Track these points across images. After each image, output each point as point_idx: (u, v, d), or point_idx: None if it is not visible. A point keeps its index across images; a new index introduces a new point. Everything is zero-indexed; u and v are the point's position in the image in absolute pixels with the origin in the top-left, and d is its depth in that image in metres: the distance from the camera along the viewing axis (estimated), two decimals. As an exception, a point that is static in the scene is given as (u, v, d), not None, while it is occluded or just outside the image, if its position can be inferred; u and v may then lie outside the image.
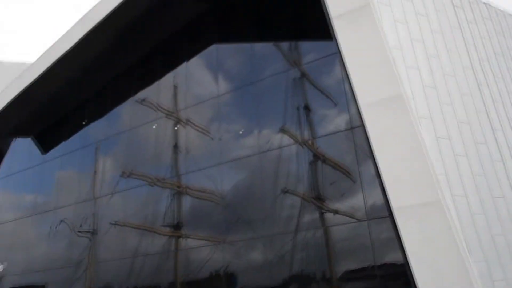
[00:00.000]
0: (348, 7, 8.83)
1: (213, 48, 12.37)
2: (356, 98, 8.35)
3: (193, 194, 11.21)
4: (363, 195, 8.40)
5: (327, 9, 9.15)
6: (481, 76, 9.75)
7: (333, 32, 9.03)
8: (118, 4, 12.00)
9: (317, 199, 9.14)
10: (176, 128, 12.25)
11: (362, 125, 8.41)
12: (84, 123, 14.78)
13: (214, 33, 12.42)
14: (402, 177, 7.47)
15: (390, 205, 7.51)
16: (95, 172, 13.78)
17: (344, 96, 9.26)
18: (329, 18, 9.12)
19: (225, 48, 12.24)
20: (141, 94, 13.41)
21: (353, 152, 8.82)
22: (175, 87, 12.77)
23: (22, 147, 16.44)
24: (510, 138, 9.33)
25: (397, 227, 7.35)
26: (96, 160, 13.94)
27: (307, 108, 10.09)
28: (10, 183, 16.25)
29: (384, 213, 7.82)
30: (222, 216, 10.42)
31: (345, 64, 8.75)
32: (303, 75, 10.30)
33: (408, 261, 7.12)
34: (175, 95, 12.70)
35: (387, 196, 7.58)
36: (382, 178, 7.70)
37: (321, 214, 8.96)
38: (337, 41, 8.86)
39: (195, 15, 12.83)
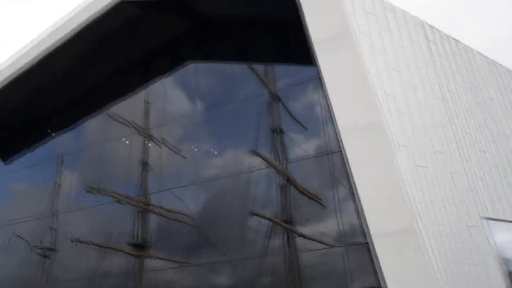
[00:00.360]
0: (329, 33, 8.99)
1: (190, 67, 12.26)
2: (336, 124, 8.41)
3: (162, 214, 10.87)
4: (340, 221, 8.38)
5: (309, 34, 9.28)
6: (452, 108, 10.13)
7: (314, 57, 9.15)
8: (97, 16, 11.73)
9: (290, 223, 9.04)
10: (147, 146, 11.94)
11: (340, 151, 8.50)
12: (51, 133, 14.17)
13: (192, 53, 12.33)
14: (380, 203, 7.52)
15: (367, 231, 7.53)
16: (58, 185, 13.16)
17: (322, 121, 9.32)
18: (310, 43, 9.25)
19: (202, 67, 12.14)
20: (112, 109, 13.03)
21: (330, 177, 8.84)
22: (148, 103, 12.52)
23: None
24: (479, 168, 9.68)
25: (374, 253, 7.36)
26: (60, 174, 13.34)
27: (282, 132, 10.09)
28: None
29: (361, 239, 7.84)
30: (190, 237, 10.14)
31: (325, 89, 8.85)
32: (280, 98, 10.32)
33: (384, 287, 7.12)
34: (147, 112, 12.43)
35: (364, 222, 7.61)
36: (359, 204, 7.73)
37: (296, 239, 8.86)
38: (318, 66, 8.97)
39: (173, 33, 12.71)
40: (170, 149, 11.47)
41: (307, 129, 9.68)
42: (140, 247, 10.89)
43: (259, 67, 11.00)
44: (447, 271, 7.51)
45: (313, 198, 9.05)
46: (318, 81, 9.43)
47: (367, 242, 7.64)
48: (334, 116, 8.48)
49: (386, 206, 7.44)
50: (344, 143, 8.15)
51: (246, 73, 11.19)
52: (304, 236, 8.76)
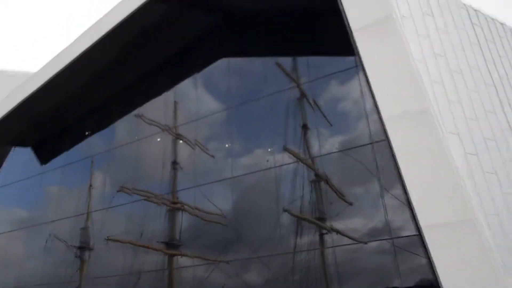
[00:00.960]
0: (370, 19, 8.66)
1: (219, 63, 12.09)
2: (380, 113, 8.07)
3: (192, 212, 10.77)
4: (384, 214, 8.01)
5: (348, 22, 8.96)
6: (503, 94, 9.59)
7: (354, 45, 8.82)
8: (125, 17, 11.81)
9: (322, 220, 8.75)
10: (177, 144, 11.88)
11: (383, 140, 8.14)
12: (86, 134, 14.38)
13: (222, 48, 12.16)
14: (430, 194, 7.14)
15: (418, 224, 7.15)
16: (90, 186, 13.32)
17: (363, 111, 8.96)
18: (350, 31, 8.93)
19: (233, 63, 11.95)
20: (143, 109, 13.06)
21: (374, 168, 8.48)
22: (177, 103, 12.46)
23: (20, 157, 15.92)
24: (535, 156, 9.11)
25: (427, 246, 6.99)
26: (92, 174, 13.49)
27: (317, 125, 9.76)
28: (6, 194, 15.66)
29: (408, 232, 7.47)
30: (221, 235, 9.97)
31: (367, 77, 8.51)
32: (316, 90, 9.99)
33: (440, 282, 6.74)
34: (177, 111, 12.37)
35: (415, 214, 7.24)
36: (409, 195, 7.36)
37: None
38: (359, 54, 8.64)
39: (202, 30, 12.61)
40: (201, 148, 11.33)
41: (331, 124, 9.39)
42: (173, 245, 10.85)
43: (289, 61, 10.68)
44: (510, 265, 7.05)
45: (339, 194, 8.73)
46: (354, 71, 9.12)
47: (417, 235, 7.28)
48: (378, 105, 8.14)
49: (438, 196, 7.04)
50: (389, 132, 7.80)
51: (276, 68, 10.89)
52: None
